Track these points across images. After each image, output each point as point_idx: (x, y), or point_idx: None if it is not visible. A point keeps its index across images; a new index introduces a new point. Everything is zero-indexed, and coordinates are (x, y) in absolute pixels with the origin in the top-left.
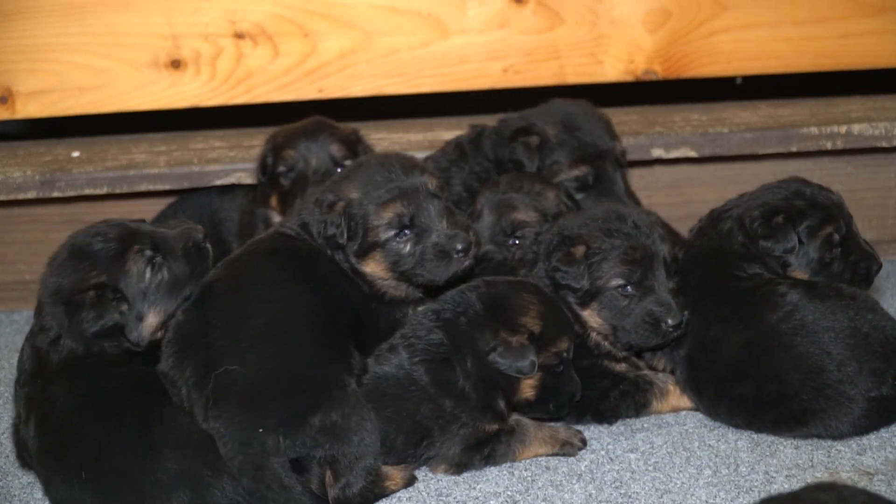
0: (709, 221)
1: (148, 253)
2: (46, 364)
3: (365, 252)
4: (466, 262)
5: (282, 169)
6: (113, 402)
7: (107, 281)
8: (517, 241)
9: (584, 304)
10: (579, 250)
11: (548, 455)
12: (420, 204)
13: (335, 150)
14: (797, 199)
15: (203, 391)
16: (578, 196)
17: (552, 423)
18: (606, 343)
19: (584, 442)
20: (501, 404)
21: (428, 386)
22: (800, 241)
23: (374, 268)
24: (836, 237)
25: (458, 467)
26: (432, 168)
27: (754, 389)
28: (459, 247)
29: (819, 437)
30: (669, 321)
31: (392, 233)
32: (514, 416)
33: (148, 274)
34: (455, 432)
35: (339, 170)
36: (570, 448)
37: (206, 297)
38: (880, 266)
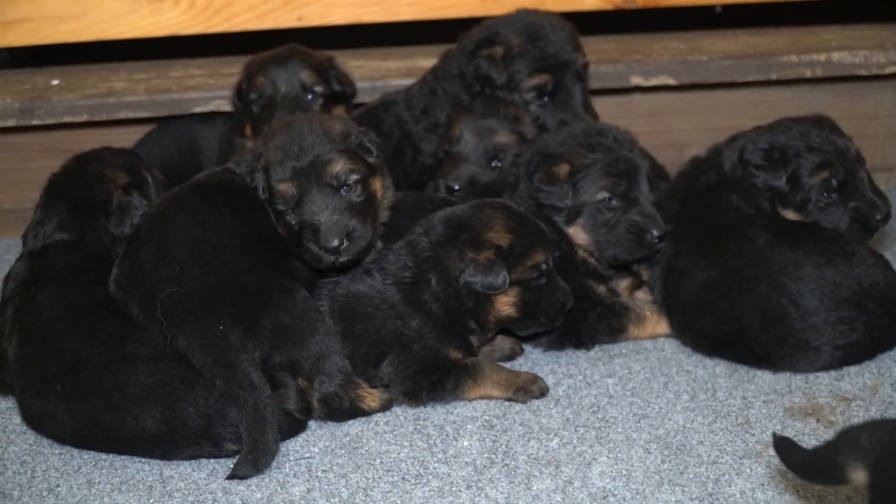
0: (713, 150)
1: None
2: (44, 274)
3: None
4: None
5: (253, 96)
6: (93, 317)
7: (132, 181)
8: (498, 164)
9: (570, 221)
10: (563, 169)
11: (500, 399)
12: (304, 185)
13: (305, 76)
14: (801, 140)
15: (153, 320)
16: (537, 105)
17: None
18: (592, 259)
19: (543, 392)
20: (472, 325)
21: (399, 304)
22: (795, 183)
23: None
24: (834, 182)
25: (409, 395)
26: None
27: (714, 328)
28: (333, 241)
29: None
30: (654, 231)
31: (281, 206)
32: (472, 358)
33: (151, 182)
34: (415, 352)
35: (309, 96)
36: (523, 395)
37: (134, 235)
38: (887, 215)
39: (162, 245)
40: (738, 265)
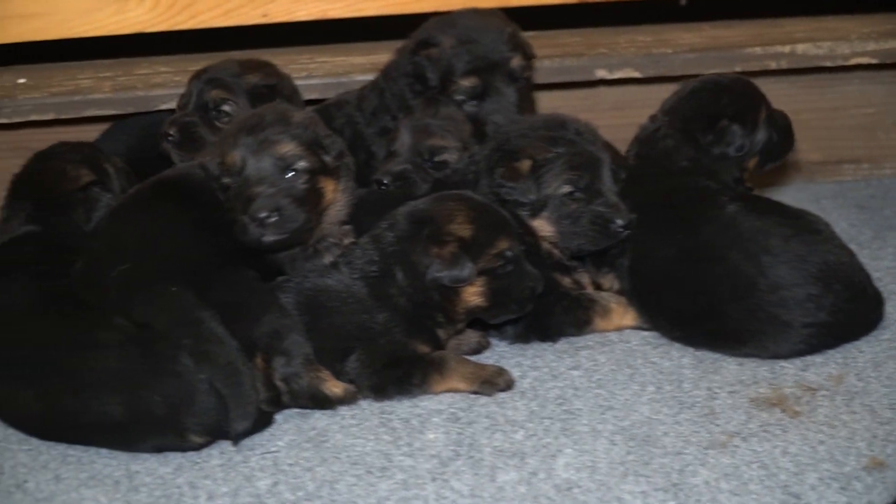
0: (644, 144)
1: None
2: (12, 263)
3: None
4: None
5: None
6: (63, 303)
7: (95, 178)
8: (435, 165)
9: (534, 214)
10: (524, 164)
11: (466, 391)
12: (249, 159)
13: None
14: (722, 97)
15: (107, 300)
16: (470, 106)
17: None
18: (556, 251)
19: (508, 384)
20: (440, 318)
21: (366, 298)
22: (747, 133)
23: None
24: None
25: (375, 389)
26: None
27: (687, 303)
28: (262, 215)
29: (759, 357)
30: (619, 221)
31: (226, 178)
32: (437, 352)
33: (113, 174)
34: (381, 346)
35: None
36: (489, 388)
37: (92, 232)
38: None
39: (113, 237)
40: (710, 234)
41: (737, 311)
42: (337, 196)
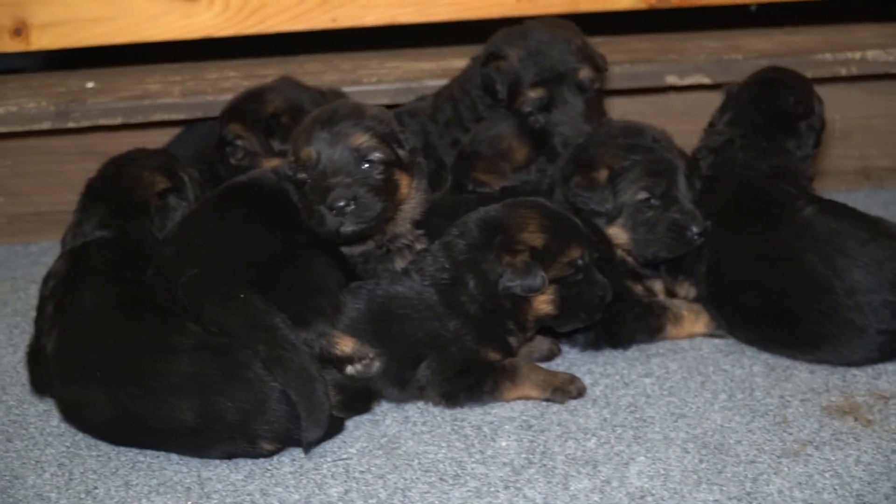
0: (719, 153)
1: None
2: (84, 269)
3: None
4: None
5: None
6: (137, 308)
7: (170, 185)
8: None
9: (610, 221)
10: (602, 174)
11: (538, 399)
12: (325, 152)
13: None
14: (788, 96)
15: (178, 305)
16: (536, 117)
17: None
18: (630, 258)
19: (580, 391)
20: (511, 326)
21: (437, 306)
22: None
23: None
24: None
25: (446, 397)
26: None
27: (763, 305)
28: (340, 204)
29: (833, 364)
30: (694, 228)
31: (301, 174)
32: (510, 359)
33: (188, 183)
34: (453, 354)
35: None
36: (561, 395)
37: (163, 240)
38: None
39: (181, 241)
40: (787, 236)
41: (812, 314)
42: (411, 193)
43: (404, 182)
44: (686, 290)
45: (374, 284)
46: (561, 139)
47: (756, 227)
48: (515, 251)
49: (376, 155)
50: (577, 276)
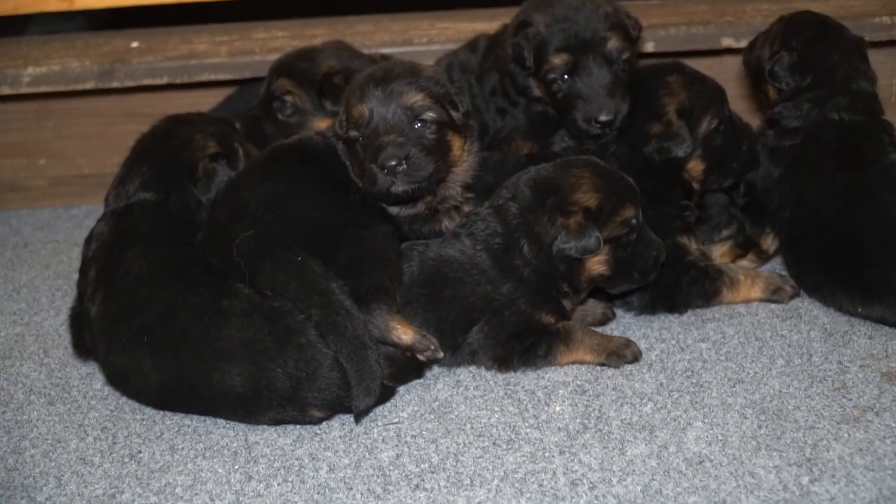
0: (816, 101)
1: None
2: (129, 233)
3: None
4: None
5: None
6: (187, 272)
7: (221, 151)
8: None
9: (688, 159)
10: (672, 118)
11: (593, 363)
12: (377, 109)
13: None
14: (845, 40)
15: (232, 266)
16: (560, 84)
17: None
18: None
19: (636, 356)
20: (565, 289)
21: (490, 269)
22: None
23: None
24: None
25: (499, 361)
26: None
27: (837, 243)
28: (392, 163)
29: (889, 322)
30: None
31: (353, 132)
32: (563, 322)
33: (241, 154)
34: (506, 318)
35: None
36: (616, 360)
37: (213, 202)
38: None
39: (235, 203)
40: (871, 175)
41: (881, 255)
42: (463, 155)
43: (457, 144)
44: (770, 242)
45: (424, 247)
46: (582, 114)
47: (842, 166)
48: (569, 212)
49: (429, 115)
50: (630, 236)
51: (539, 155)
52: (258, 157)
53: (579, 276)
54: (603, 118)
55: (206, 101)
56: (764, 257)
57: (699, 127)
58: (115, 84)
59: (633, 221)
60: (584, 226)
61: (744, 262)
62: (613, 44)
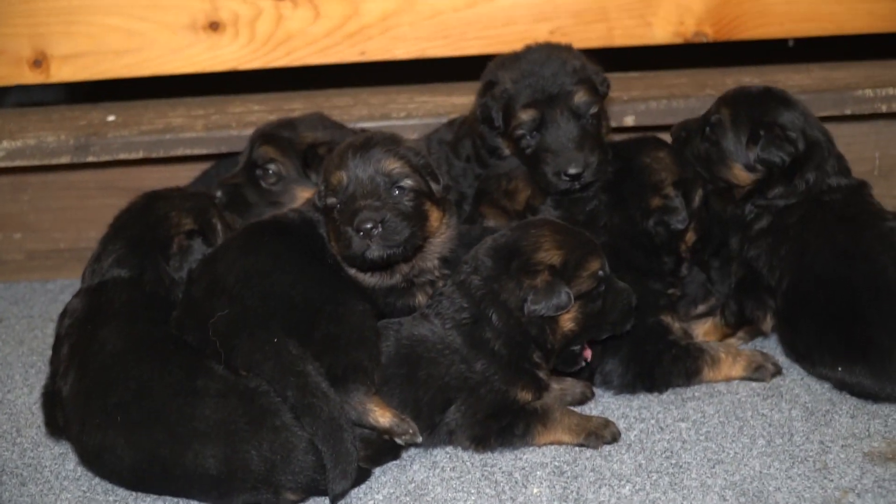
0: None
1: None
2: (103, 310)
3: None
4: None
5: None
6: (162, 350)
7: (197, 228)
8: None
9: (686, 231)
10: (669, 191)
11: (571, 444)
12: (356, 176)
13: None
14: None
15: (208, 344)
16: (529, 140)
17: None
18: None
19: (615, 436)
20: (537, 358)
21: (461, 347)
22: None
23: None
24: None
25: (476, 441)
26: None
27: (830, 302)
28: (368, 226)
29: (874, 395)
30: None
31: (331, 198)
32: (541, 401)
33: (220, 230)
34: (483, 396)
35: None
36: (595, 440)
37: (189, 278)
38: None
39: (211, 279)
40: (870, 237)
41: (873, 314)
42: (441, 227)
43: (435, 215)
44: (769, 320)
45: (398, 325)
46: (552, 168)
47: (843, 230)
48: (535, 272)
49: (407, 182)
50: (599, 289)
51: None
52: (235, 234)
53: (553, 337)
54: (572, 171)
55: (182, 175)
56: (757, 335)
57: (693, 199)
58: (90, 158)
59: (601, 273)
60: (552, 283)
61: (731, 340)
62: (581, 97)
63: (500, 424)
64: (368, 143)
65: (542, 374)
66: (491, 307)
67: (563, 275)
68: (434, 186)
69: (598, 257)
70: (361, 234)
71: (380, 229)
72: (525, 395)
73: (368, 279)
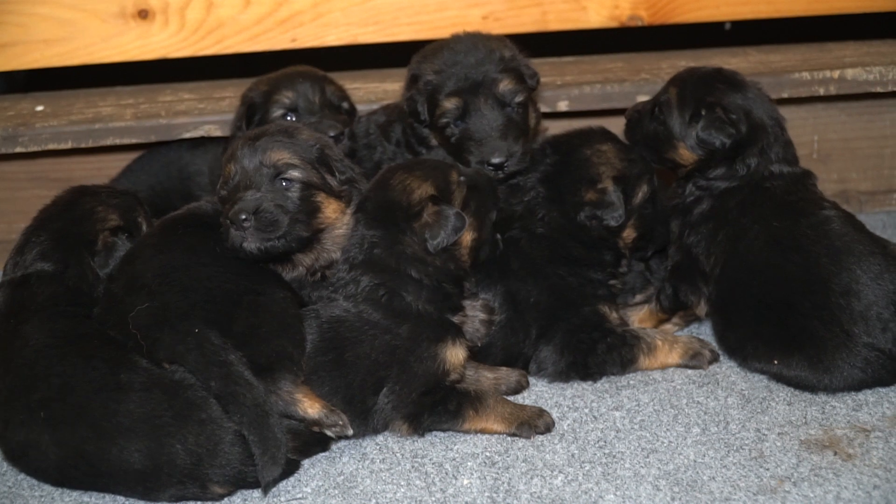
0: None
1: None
2: (26, 305)
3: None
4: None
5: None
6: (86, 345)
7: (123, 225)
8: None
9: (623, 227)
10: (608, 185)
11: (503, 433)
12: (243, 165)
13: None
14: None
15: (129, 338)
16: (453, 129)
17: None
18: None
19: (548, 426)
20: (456, 300)
21: (382, 320)
22: None
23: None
24: None
25: (410, 419)
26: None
27: (763, 292)
28: (241, 217)
29: (811, 387)
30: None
31: (221, 189)
32: (475, 386)
33: (145, 228)
34: (413, 368)
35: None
36: (527, 430)
37: (109, 276)
38: None
39: (130, 276)
40: (804, 225)
41: (805, 305)
42: (342, 218)
43: (331, 207)
44: (703, 304)
45: (314, 311)
46: (476, 157)
47: (779, 218)
48: (418, 213)
49: (293, 173)
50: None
51: None
52: (151, 230)
53: (458, 258)
54: (495, 160)
55: (112, 165)
56: (692, 320)
57: (635, 196)
58: (18, 149)
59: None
60: (439, 210)
61: (667, 326)
62: (506, 86)
63: (433, 399)
64: (262, 134)
65: (461, 314)
66: (409, 266)
67: (444, 197)
68: (330, 179)
69: (455, 170)
70: (235, 226)
71: (252, 221)
72: (454, 354)
73: (279, 271)
